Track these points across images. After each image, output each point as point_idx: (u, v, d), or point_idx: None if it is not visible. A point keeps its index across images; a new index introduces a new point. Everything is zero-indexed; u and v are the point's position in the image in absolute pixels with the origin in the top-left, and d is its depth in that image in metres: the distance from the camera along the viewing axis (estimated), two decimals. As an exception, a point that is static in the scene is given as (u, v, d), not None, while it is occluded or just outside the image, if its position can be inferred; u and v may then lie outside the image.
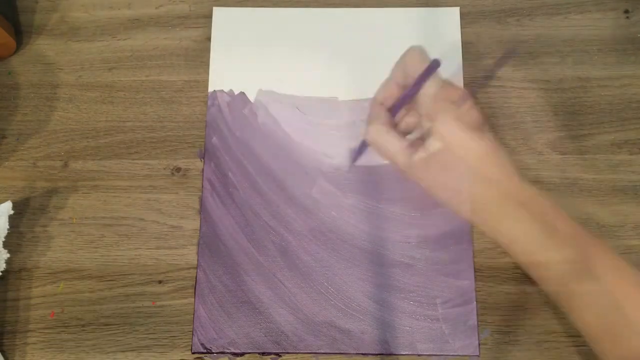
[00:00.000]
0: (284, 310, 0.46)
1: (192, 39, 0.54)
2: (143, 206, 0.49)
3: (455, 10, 0.53)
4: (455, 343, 0.45)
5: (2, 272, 0.47)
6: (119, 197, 0.49)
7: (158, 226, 0.49)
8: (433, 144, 0.37)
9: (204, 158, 0.50)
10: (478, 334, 0.45)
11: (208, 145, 0.50)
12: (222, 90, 0.52)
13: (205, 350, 0.46)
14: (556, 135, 0.50)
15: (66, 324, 0.46)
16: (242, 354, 0.46)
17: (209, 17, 0.54)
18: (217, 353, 0.46)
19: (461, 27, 0.53)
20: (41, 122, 0.52)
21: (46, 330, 0.46)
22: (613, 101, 0.51)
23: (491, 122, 0.50)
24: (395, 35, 0.53)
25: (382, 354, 0.45)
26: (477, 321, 0.46)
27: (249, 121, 0.51)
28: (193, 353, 0.46)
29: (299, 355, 0.46)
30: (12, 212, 0.47)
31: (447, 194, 0.38)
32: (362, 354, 0.45)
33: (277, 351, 0.45)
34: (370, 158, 0.49)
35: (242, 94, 0.52)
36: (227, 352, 0.46)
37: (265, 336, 0.46)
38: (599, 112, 0.51)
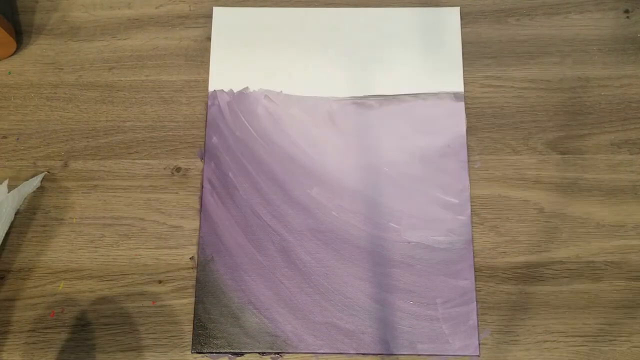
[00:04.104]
0: (284, 310, 0.46)
1: (192, 39, 0.54)
2: (143, 206, 0.49)
3: (455, 10, 0.53)
4: (456, 343, 0.45)
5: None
6: (119, 197, 0.49)
7: (158, 226, 0.49)
8: None
9: (204, 158, 0.50)
10: (478, 334, 0.45)
11: (208, 145, 0.50)
12: (222, 90, 0.52)
13: (205, 350, 0.46)
14: (556, 135, 0.50)
15: (66, 324, 0.46)
16: (242, 354, 0.46)
17: (209, 17, 0.54)
18: (217, 353, 0.46)
19: (461, 27, 0.53)
20: (41, 122, 0.52)
21: (46, 330, 0.46)
22: (613, 101, 0.51)
23: (491, 122, 0.50)
24: (395, 35, 0.53)
25: (382, 354, 0.45)
26: (477, 321, 0.46)
27: (249, 121, 0.51)
28: (193, 353, 0.46)
29: (299, 355, 0.46)
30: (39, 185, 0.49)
31: None
32: (362, 354, 0.45)
33: (277, 351, 0.45)
34: (369, 159, 0.49)
35: (242, 93, 0.52)
36: (227, 352, 0.46)
37: (265, 336, 0.46)
38: (599, 112, 0.51)
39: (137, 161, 0.50)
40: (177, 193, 0.50)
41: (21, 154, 0.51)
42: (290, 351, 0.45)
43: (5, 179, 0.49)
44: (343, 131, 0.51)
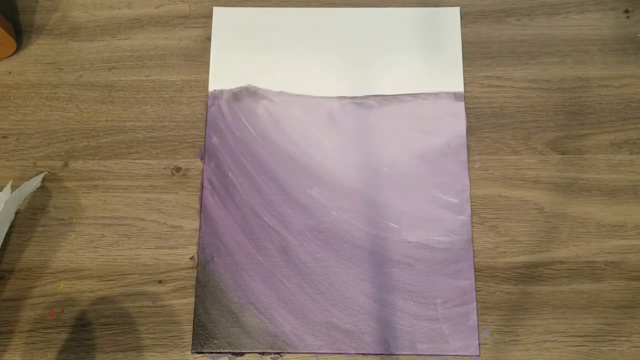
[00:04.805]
0: (284, 310, 0.46)
1: (192, 39, 0.54)
2: (143, 206, 0.49)
3: (455, 10, 0.53)
4: (455, 343, 0.45)
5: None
6: (119, 197, 0.50)
7: (158, 226, 0.49)
8: None
9: (204, 158, 0.50)
10: (478, 334, 0.45)
11: (208, 145, 0.50)
12: (222, 90, 0.52)
13: (205, 350, 0.46)
14: (556, 135, 0.50)
15: (66, 324, 0.47)
16: (242, 354, 0.46)
17: (209, 17, 0.54)
18: (217, 353, 0.46)
19: (461, 27, 0.53)
20: (41, 122, 0.52)
21: (46, 330, 0.46)
22: (613, 101, 0.51)
23: (491, 122, 0.50)
24: (395, 35, 0.53)
25: (382, 354, 0.45)
26: (477, 321, 0.46)
27: (249, 121, 0.51)
28: (193, 353, 0.46)
29: (299, 355, 0.46)
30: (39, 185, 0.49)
31: None
32: (362, 354, 0.45)
33: (277, 351, 0.45)
34: (370, 160, 0.50)
35: (242, 93, 0.52)
36: (227, 352, 0.46)
37: (265, 336, 0.46)
38: (599, 112, 0.51)
39: (137, 161, 0.50)
40: (177, 193, 0.50)
41: (21, 154, 0.51)
42: (290, 351, 0.45)
43: (9, 180, 0.49)
44: (343, 131, 0.51)
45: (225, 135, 0.51)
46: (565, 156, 0.49)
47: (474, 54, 0.52)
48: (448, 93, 0.51)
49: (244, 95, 0.52)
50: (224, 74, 0.52)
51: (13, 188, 0.48)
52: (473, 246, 0.47)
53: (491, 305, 0.46)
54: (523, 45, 0.52)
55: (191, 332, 0.46)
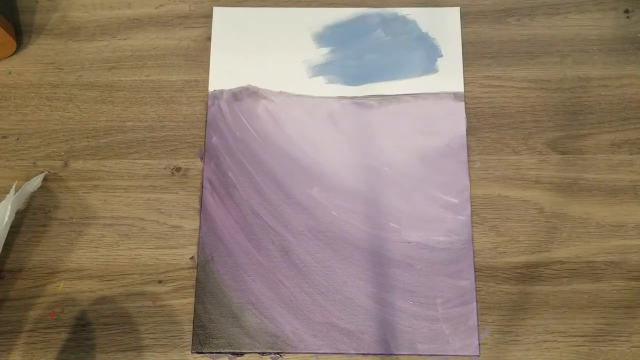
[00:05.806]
0: (284, 310, 0.46)
1: (192, 39, 0.54)
2: (143, 206, 0.49)
3: (455, 10, 0.53)
4: (455, 343, 0.45)
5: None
6: (119, 197, 0.50)
7: (158, 226, 0.49)
8: None
9: (204, 158, 0.50)
10: (478, 334, 0.45)
11: (208, 145, 0.50)
12: (222, 90, 0.52)
13: (205, 350, 0.46)
14: (556, 135, 0.50)
15: (66, 324, 0.47)
16: (242, 354, 0.46)
17: (209, 17, 0.54)
18: (217, 353, 0.46)
19: (461, 27, 0.53)
20: (41, 122, 0.52)
21: (46, 330, 0.46)
22: (613, 101, 0.51)
23: (491, 122, 0.50)
24: (395, 35, 0.53)
25: (382, 354, 0.45)
26: (477, 321, 0.46)
27: (249, 121, 0.51)
28: (193, 353, 0.46)
29: (299, 355, 0.46)
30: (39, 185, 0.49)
31: None
32: (362, 354, 0.45)
33: (277, 351, 0.45)
34: (371, 156, 0.49)
35: (242, 93, 0.52)
36: (227, 352, 0.46)
37: (265, 336, 0.46)
38: (599, 112, 0.51)
39: (137, 161, 0.50)
40: (177, 193, 0.50)
41: (21, 154, 0.51)
42: (290, 351, 0.45)
43: (10, 180, 0.49)
44: (343, 131, 0.51)
45: (225, 135, 0.51)
46: (565, 156, 0.49)
47: (474, 54, 0.52)
48: (448, 93, 0.51)
49: (244, 95, 0.52)
50: (224, 74, 0.52)
51: (15, 189, 0.48)
52: (473, 246, 0.47)
53: (491, 305, 0.46)
54: (523, 45, 0.52)
55: (191, 332, 0.46)
